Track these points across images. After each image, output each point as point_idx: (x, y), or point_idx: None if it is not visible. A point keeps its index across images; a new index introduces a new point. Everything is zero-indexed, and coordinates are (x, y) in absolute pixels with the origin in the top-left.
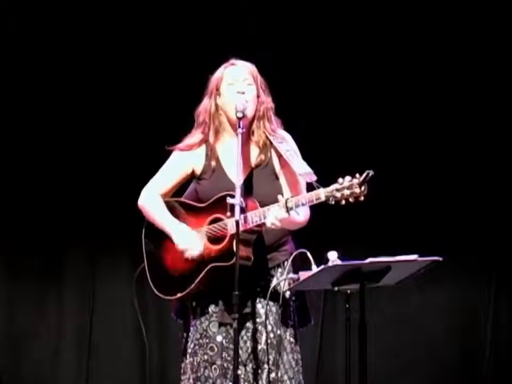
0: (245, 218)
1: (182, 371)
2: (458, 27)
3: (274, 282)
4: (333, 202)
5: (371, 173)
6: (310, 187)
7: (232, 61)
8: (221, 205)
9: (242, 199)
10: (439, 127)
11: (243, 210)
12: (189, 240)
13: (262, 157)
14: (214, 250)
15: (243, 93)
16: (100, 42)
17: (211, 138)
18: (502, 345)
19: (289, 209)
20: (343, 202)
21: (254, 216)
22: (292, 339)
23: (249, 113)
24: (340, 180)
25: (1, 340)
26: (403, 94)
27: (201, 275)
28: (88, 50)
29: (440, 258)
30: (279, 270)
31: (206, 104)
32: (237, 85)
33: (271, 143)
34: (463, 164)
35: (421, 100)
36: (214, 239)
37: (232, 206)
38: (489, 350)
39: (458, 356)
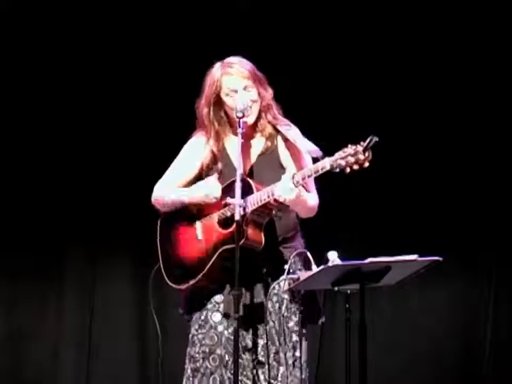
0: (249, 200)
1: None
2: (458, 20)
3: (280, 278)
4: (338, 170)
5: (375, 138)
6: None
7: (227, 69)
8: (230, 190)
9: (252, 183)
10: (438, 126)
11: (248, 193)
12: (206, 187)
13: (268, 143)
14: (224, 234)
15: (249, 107)
16: (100, 42)
17: (213, 139)
18: (502, 345)
19: (296, 182)
20: (348, 170)
21: (262, 195)
22: (294, 336)
23: (253, 118)
24: (344, 148)
25: (1, 340)
26: (406, 94)
27: (212, 259)
28: (89, 49)
29: (440, 258)
30: (285, 266)
31: (205, 110)
32: (240, 95)
33: (276, 131)
34: (463, 164)
35: (423, 100)
36: (224, 223)
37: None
38: (489, 349)
39: (458, 356)
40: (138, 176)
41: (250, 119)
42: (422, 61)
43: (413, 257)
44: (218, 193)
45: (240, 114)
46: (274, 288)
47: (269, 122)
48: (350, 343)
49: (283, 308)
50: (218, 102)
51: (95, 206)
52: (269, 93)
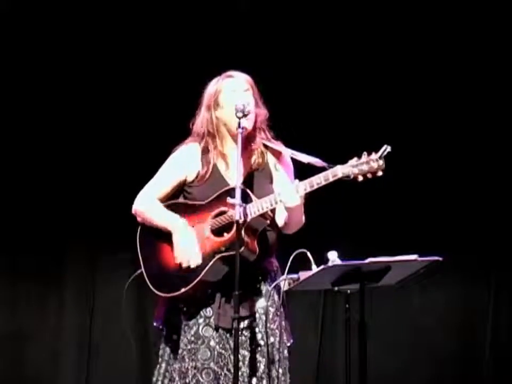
0: (245, 209)
1: (161, 376)
2: (459, 26)
3: (271, 286)
4: (351, 178)
5: (388, 148)
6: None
7: (229, 72)
8: (223, 200)
9: (250, 192)
10: (437, 128)
11: (246, 202)
12: (190, 251)
13: (260, 160)
14: (220, 242)
15: (248, 104)
16: (99, 44)
17: (209, 148)
18: (502, 346)
19: (303, 190)
20: (361, 178)
21: (264, 203)
22: (282, 348)
23: (250, 124)
24: (356, 158)
25: (1, 340)
26: (407, 98)
27: (207, 267)
28: (88, 53)
29: (440, 258)
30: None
31: (205, 116)
32: (239, 96)
33: (266, 148)
34: (463, 164)
35: (424, 101)
36: (218, 232)
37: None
38: (489, 350)
39: (458, 357)
40: (138, 176)
41: (249, 124)
42: (423, 67)
43: (413, 257)
44: (197, 262)
45: (240, 115)
46: (259, 300)
47: (261, 139)
48: (350, 343)
49: (269, 319)
50: (217, 108)
51: (95, 206)
52: (263, 112)
